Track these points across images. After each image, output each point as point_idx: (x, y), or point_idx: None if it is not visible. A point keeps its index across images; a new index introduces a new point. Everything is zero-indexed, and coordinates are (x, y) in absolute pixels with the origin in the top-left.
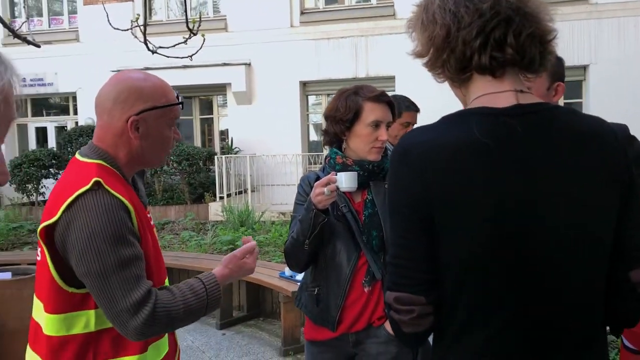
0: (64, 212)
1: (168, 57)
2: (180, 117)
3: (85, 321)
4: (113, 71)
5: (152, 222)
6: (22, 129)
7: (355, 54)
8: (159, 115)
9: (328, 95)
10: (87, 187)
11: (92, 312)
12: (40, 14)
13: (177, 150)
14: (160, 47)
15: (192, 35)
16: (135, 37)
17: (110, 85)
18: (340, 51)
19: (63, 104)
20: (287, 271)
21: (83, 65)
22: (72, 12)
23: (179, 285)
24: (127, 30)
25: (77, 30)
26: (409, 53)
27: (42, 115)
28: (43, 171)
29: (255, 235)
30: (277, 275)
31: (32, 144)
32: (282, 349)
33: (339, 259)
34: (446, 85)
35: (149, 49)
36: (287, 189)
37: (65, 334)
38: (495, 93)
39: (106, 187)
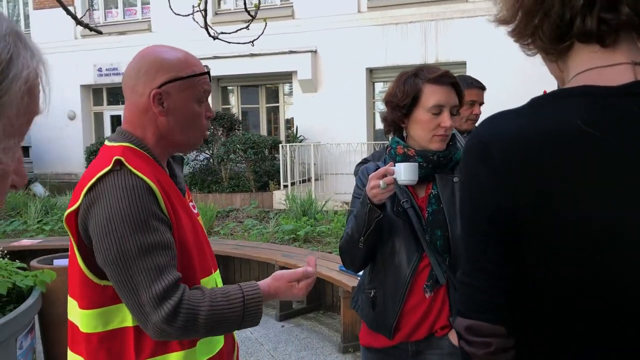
0: (85, 196)
1: (229, 42)
2: (247, 106)
3: (122, 315)
4: None
5: (195, 210)
6: (99, 117)
7: (424, 39)
8: (184, 88)
9: None
10: (108, 167)
11: None
12: (116, 6)
13: (242, 139)
14: (222, 33)
15: (252, 19)
16: (197, 22)
17: (133, 62)
18: (408, 36)
19: None
20: None
21: None
22: (145, 2)
23: (214, 289)
24: (188, 15)
25: (150, 20)
26: (491, 20)
27: (117, 104)
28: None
29: (317, 226)
30: (337, 268)
31: (108, 132)
32: (341, 345)
33: (398, 260)
34: (528, 72)
35: (210, 35)
36: (351, 178)
37: (102, 329)
38: (604, 67)
39: (128, 166)
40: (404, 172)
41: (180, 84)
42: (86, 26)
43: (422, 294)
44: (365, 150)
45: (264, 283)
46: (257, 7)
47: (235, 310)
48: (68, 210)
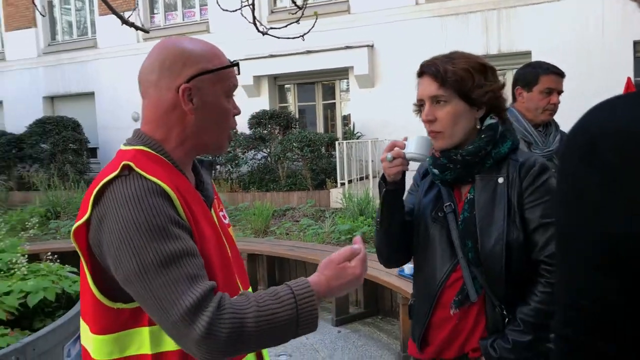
0: (93, 207)
1: (279, 38)
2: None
3: (140, 341)
4: (241, 60)
5: (226, 220)
6: None
7: (486, 28)
8: (214, 82)
9: None
10: (115, 173)
11: (145, 330)
12: (176, 9)
13: (299, 137)
14: (272, 28)
15: (301, 9)
16: (245, 17)
17: (151, 56)
18: (469, 27)
19: None
20: (407, 269)
21: None
22: (203, 4)
23: (259, 292)
24: (236, 10)
25: (207, 21)
26: None
27: None
28: None
29: (374, 226)
30: (396, 273)
31: None
32: (401, 354)
33: (431, 269)
34: (595, 61)
35: (259, 30)
36: (410, 175)
37: (119, 356)
38: None
39: (138, 170)
40: (411, 144)
41: (211, 78)
42: (132, 25)
43: (449, 309)
44: None
45: (313, 278)
46: (305, 3)
47: (288, 312)
48: (77, 224)
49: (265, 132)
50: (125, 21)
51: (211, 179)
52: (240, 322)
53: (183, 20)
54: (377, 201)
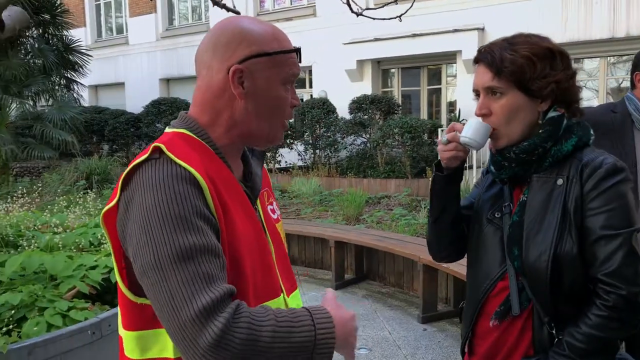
0: (121, 190)
1: (374, 19)
2: (408, 88)
3: (162, 344)
4: (345, 44)
5: (274, 215)
6: None
7: (613, 9)
8: (270, 66)
9: (575, 60)
10: (144, 156)
11: None
12: None
13: (400, 123)
14: (367, 9)
15: None
16: None
17: (210, 33)
18: (593, 8)
19: (301, 78)
20: None
21: (318, 40)
22: None
23: (279, 308)
24: None
25: (315, 5)
26: None
27: None
28: None
29: None
30: None
31: None
32: None
33: (479, 274)
34: None
35: (352, 11)
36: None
37: (139, 357)
38: None
39: (168, 153)
40: (468, 128)
41: (266, 61)
42: (223, 7)
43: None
44: None
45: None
46: None
47: (305, 334)
48: (106, 207)
49: (365, 117)
50: (215, 2)
51: (262, 169)
52: (255, 334)
53: (291, 4)
54: None
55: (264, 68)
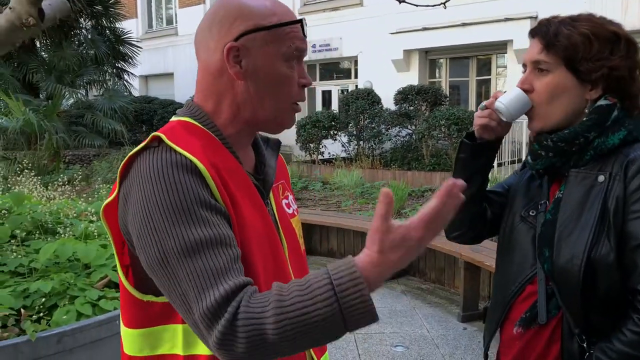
0: (120, 183)
1: (417, 5)
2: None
3: (173, 341)
4: (392, 33)
5: (289, 210)
6: (311, 92)
7: None
8: (268, 41)
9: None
10: (142, 144)
11: (179, 327)
12: None
13: (446, 114)
14: None
15: None
16: None
17: (208, 12)
18: None
19: (346, 68)
20: None
21: (365, 29)
22: None
23: (289, 284)
24: None
25: None
26: None
27: (328, 79)
28: (323, 132)
29: None
30: None
31: (319, 106)
32: None
33: (507, 275)
34: None
35: None
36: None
37: (149, 354)
38: None
39: (167, 142)
40: (506, 95)
41: (264, 36)
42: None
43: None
44: None
45: (361, 257)
46: None
47: (326, 308)
48: (106, 201)
49: (411, 108)
50: None
51: (277, 161)
52: (258, 330)
53: None
54: None
55: (262, 44)
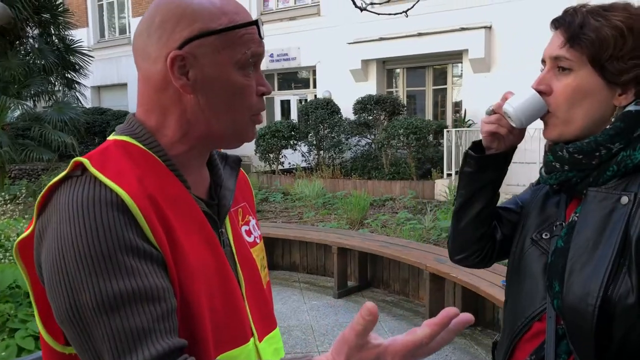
0: (38, 216)
1: (379, 14)
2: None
3: None
4: (349, 43)
5: (250, 238)
6: (270, 102)
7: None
8: (219, 48)
9: None
10: (63, 173)
11: None
12: None
13: (404, 123)
14: (372, 4)
15: None
16: None
17: (146, 12)
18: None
19: (305, 78)
20: None
21: (323, 39)
22: None
23: None
24: None
25: (319, 4)
26: None
27: (286, 89)
28: (283, 142)
29: None
30: (500, 283)
31: (278, 116)
32: None
33: (515, 307)
34: None
35: (356, 6)
36: (525, 167)
37: None
38: None
39: (93, 170)
40: (516, 97)
41: (213, 42)
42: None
43: None
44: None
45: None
46: None
47: None
48: (21, 236)
49: (370, 117)
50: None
51: (236, 181)
52: None
53: (295, 3)
54: None
55: (212, 51)
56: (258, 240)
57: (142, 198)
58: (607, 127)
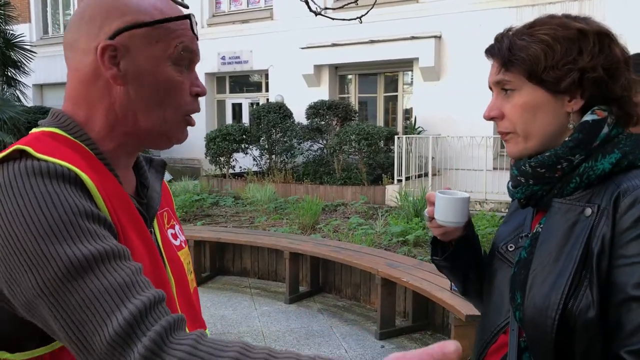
0: None
1: (333, 19)
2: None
3: None
4: (302, 48)
5: (176, 241)
6: (221, 105)
7: None
8: (152, 41)
9: None
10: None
11: None
12: None
13: (356, 129)
14: (326, 9)
15: None
16: None
17: (77, 8)
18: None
19: (257, 81)
20: None
21: (275, 43)
22: None
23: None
24: None
25: (272, 8)
26: None
27: (238, 92)
28: (234, 145)
29: (428, 231)
30: (449, 287)
31: (229, 119)
32: None
33: (485, 321)
34: None
35: (311, 10)
36: (473, 174)
37: None
38: None
39: (35, 154)
40: (438, 206)
41: (145, 34)
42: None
43: None
44: (491, 144)
45: None
46: None
47: None
48: None
49: (322, 123)
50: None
51: (161, 185)
52: None
53: (248, 6)
54: None
55: (145, 43)
56: (184, 245)
57: (94, 179)
58: (566, 139)
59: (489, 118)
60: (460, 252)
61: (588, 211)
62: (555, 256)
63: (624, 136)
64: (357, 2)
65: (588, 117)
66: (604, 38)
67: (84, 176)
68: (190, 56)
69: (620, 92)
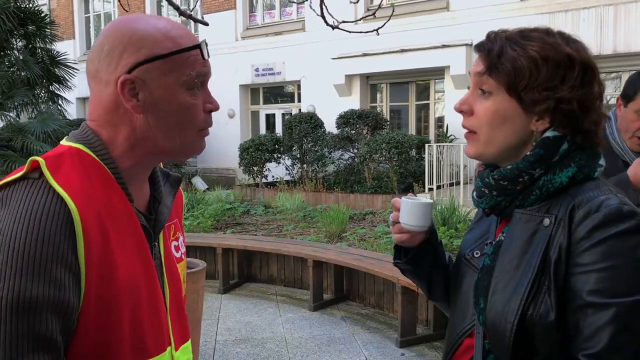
0: None
1: (350, 32)
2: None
3: None
4: (333, 58)
5: (177, 254)
6: (255, 116)
7: (600, 27)
8: (165, 71)
9: None
10: (21, 173)
11: None
12: (274, 7)
13: (386, 138)
14: (344, 22)
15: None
16: (313, 10)
17: (98, 38)
18: (580, 25)
19: (289, 92)
20: None
21: (307, 54)
22: (301, 1)
23: None
24: (302, 2)
25: (304, 20)
26: None
27: (272, 103)
28: (267, 155)
29: (457, 237)
30: None
31: (263, 130)
32: None
33: (451, 326)
34: None
35: (327, 24)
36: None
37: None
38: None
39: (48, 175)
40: (403, 209)
41: (160, 66)
42: (189, 17)
43: None
44: None
45: None
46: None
47: None
48: None
49: (353, 132)
50: (181, 12)
51: (173, 199)
52: None
53: (280, 19)
54: (465, 209)
55: (159, 74)
56: (183, 257)
57: (87, 210)
58: (528, 153)
59: (458, 111)
60: (422, 256)
61: (546, 221)
62: (516, 264)
63: (579, 151)
64: (375, 15)
65: (549, 133)
66: (588, 71)
67: (75, 216)
68: (203, 79)
69: (588, 126)
